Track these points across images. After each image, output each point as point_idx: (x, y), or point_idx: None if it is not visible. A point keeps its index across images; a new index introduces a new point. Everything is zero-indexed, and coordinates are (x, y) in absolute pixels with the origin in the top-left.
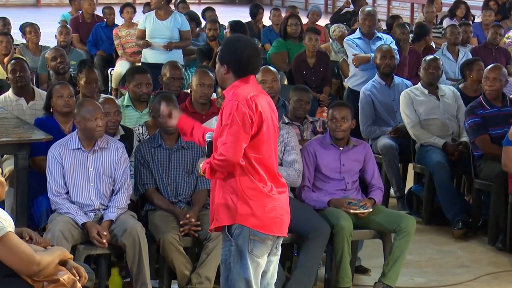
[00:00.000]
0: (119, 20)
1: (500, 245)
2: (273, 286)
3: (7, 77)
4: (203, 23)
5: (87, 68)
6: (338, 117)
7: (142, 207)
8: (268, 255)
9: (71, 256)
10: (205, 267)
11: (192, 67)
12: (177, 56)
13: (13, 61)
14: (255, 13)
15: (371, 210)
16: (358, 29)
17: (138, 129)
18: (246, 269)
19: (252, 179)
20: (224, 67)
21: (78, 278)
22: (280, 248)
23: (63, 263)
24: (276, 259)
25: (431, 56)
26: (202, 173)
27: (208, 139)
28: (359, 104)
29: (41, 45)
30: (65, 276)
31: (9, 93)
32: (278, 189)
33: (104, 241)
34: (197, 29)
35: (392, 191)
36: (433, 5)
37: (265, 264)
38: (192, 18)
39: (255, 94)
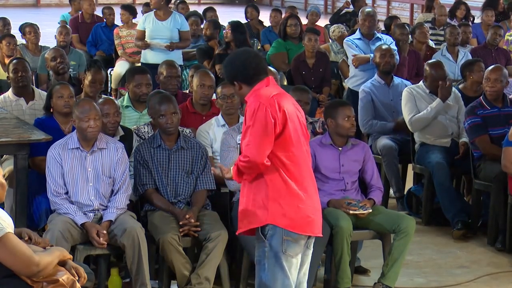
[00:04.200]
0: (118, 20)
1: (499, 245)
2: (306, 284)
3: (7, 77)
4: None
5: (96, 67)
6: (350, 115)
7: (142, 208)
8: (304, 251)
9: (71, 256)
10: (205, 267)
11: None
12: (177, 56)
13: (15, 61)
14: (247, 13)
15: (370, 210)
16: (357, 29)
17: (144, 128)
18: (281, 269)
19: (283, 178)
20: (235, 85)
21: (77, 278)
22: (312, 247)
23: (62, 263)
24: (308, 258)
25: (436, 63)
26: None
27: (239, 142)
28: (359, 102)
29: (41, 45)
30: (64, 277)
31: (9, 93)
32: (309, 188)
33: (103, 241)
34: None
35: (391, 191)
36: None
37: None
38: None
39: (277, 94)
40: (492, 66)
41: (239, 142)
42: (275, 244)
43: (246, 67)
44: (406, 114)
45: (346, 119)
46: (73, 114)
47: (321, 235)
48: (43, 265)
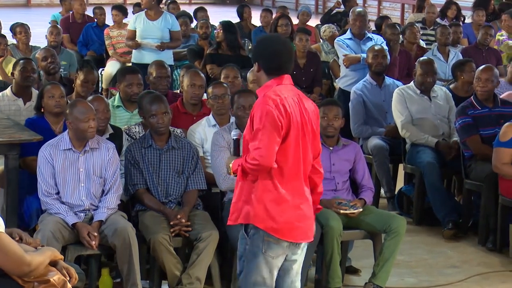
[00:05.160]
0: (109, 20)
1: (490, 245)
2: (299, 284)
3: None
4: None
5: (88, 67)
6: (330, 115)
7: (133, 208)
8: (289, 255)
9: (62, 256)
10: (196, 267)
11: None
12: (167, 56)
13: (23, 60)
14: (242, 12)
15: (361, 210)
16: (348, 29)
17: (134, 128)
18: (258, 269)
19: (273, 182)
20: (256, 65)
21: (68, 278)
22: (304, 250)
23: (53, 263)
24: (299, 258)
25: (426, 60)
26: (232, 173)
27: (234, 137)
28: (350, 103)
29: (32, 45)
30: (55, 277)
31: (7, 91)
32: (302, 195)
33: (94, 242)
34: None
35: (382, 191)
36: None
37: (287, 264)
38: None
39: (285, 97)
40: (483, 66)
41: (234, 138)
42: (256, 243)
43: (273, 57)
44: (397, 118)
45: (325, 118)
46: (68, 115)
47: (307, 241)
48: (34, 265)
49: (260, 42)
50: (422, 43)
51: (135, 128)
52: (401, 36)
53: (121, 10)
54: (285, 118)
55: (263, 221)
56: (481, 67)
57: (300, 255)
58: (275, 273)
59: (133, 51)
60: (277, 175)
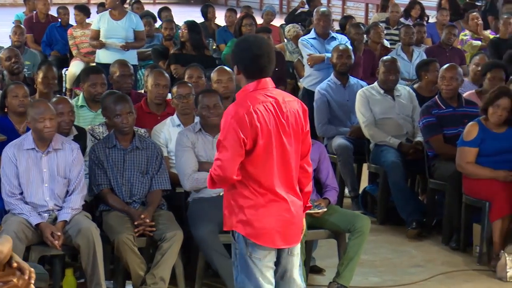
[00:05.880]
0: (73, 20)
1: (454, 244)
2: (296, 285)
3: None
4: (158, 23)
5: (47, 65)
6: None
7: (97, 208)
8: (281, 256)
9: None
10: (160, 267)
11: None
12: (132, 56)
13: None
14: (206, 12)
15: (325, 210)
16: (313, 29)
17: (98, 128)
18: (249, 272)
19: (250, 190)
20: (235, 68)
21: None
22: (296, 251)
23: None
24: (294, 259)
25: (390, 59)
26: None
27: None
28: (314, 103)
29: None
30: (19, 281)
31: None
32: (281, 201)
33: (57, 242)
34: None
35: (346, 191)
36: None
37: (282, 264)
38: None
39: (254, 106)
40: (447, 65)
41: None
42: (241, 247)
43: (252, 61)
44: (360, 119)
45: None
46: (28, 115)
47: (290, 247)
48: (5, 253)
49: (239, 45)
50: (386, 43)
51: (99, 128)
52: (365, 35)
53: (82, 10)
54: (251, 130)
55: (243, 228)
56: (445, 66)
57: (294, 256)
58: (268, 273)
59: (97, 51)
60: (252, 183)
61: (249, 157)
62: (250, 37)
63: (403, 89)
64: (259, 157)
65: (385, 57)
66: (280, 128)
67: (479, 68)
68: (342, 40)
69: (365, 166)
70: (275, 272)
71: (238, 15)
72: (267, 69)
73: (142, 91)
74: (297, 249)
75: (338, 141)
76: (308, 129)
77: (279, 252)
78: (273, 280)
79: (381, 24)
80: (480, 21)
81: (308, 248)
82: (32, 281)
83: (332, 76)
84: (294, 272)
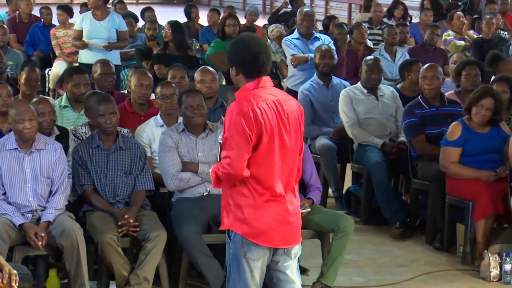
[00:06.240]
0: (56, 20)
1: (437, 244)
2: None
3: None
4: (141, 23)
5: (29, 66)
6: None
7: (80, 208)
8: (278, 255)
9: None
10: (144, 268)
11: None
12: (114, 56)
13: None
14: (190, 12)
15: (309, 210)
16: (296, 29)
17: (81, 129)
18: (242, 273)
19: (249, 189)
20: (233, 69)
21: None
22: (293, 255)
23: None
24: (290, 263)
25: (373, 58)
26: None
27: (220, 141)
28: None
29: None
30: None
31: None
32: (280, 200)
33: (40, 243)
34: (136, 28)
35: (330, 191)
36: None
37: (278, 273)
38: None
39: (257, 103)
40: (427, 65)
41: (221, 141)
42: (236, 247)
43: (251, 60)
44: (343, 119)
45: None
46: (9, 116)
47: (289, 246)
48: None
49: (235, 46)
50: (370, 43)
51: (82, 128)
52: (348, 36)
53: (65, 10)
54: (255, 126)
55: (241, 226)
56: (425, 66)
57: (290, 261)
58: (258, 276)
59: (80, 51)
60: (252, 182)
61: (252, 156)
62: (245, 37)
63: (386, 89)
64: (262, 155)
65: (368, 57)
66: (282, 127)
67: None
68: (326, 40)
69: (348, 166)
70: (275, 272)
71: (221, 15)
72: (266, 66)
73: (126, 92)
74: (295, 249)
75: (322, 141)
76: (303, 129)
77: (275, 252)
78: (261, 284)
79: (364, 24)
80: (465, 21)
81: None
82: (14, 281)
83: (315, 76)
84: (293, 272)
